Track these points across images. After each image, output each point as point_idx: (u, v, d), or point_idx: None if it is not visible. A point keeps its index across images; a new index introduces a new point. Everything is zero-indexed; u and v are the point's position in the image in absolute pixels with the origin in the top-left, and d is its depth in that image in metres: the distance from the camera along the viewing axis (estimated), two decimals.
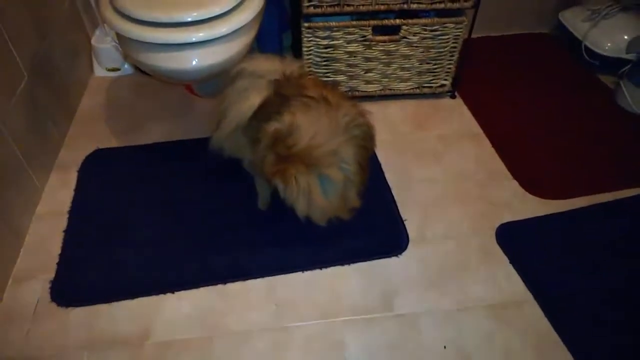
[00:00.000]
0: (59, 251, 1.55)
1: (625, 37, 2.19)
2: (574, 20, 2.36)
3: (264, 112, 1.34)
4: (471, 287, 1.49)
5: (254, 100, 1.38)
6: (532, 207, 1.71)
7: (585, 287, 1.48)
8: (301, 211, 1.31)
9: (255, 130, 1.34)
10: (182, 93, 2.13)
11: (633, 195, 1.75)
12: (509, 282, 1.50)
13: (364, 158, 1.34)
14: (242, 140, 1.44)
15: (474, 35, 2.02)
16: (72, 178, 1.78)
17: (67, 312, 1.41)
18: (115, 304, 1.42)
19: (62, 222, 1.63)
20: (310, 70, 1.51)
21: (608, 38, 2.22)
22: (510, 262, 1.55)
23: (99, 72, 2.27)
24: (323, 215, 1.35)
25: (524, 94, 2.22)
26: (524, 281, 1.50)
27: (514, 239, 1.61)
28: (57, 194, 1.73)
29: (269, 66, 1.43)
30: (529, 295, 1.46)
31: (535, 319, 1.42)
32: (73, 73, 2.10)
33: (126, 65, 2.27)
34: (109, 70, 2.26)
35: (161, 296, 1.44)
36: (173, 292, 1.45)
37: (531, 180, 1.80)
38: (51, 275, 1.49)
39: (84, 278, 1.49)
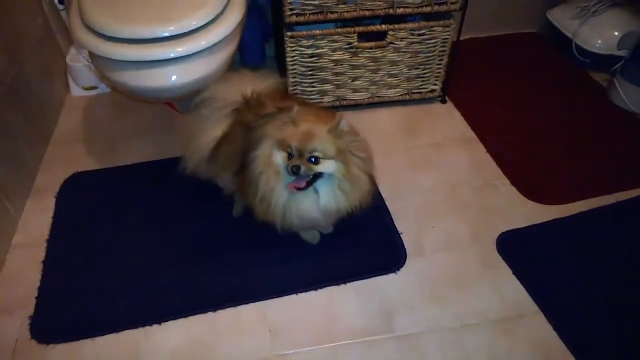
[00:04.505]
0: (38, 284, 1.48)
1: (616, 33, 2.15)
2: (563, 19, 2.32)
3: (229, 143, 1.39)
4: (475, 302, 1.42)
5: (214, 133, 1.41)
6: (532, 213, 1.65)
7: (593, 297, 1.43)
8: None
9: (222, 162, 1.42)
10: (164, 110, 2.06)
11: (636, 196, 1.70)
12: (513, 294, 1.44)
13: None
14: (210, 167, 1.47)
15: (462, 38, 1.96)
16: (50, 204, 1.70)
17: (48, 349, 1.34)
18: (99, 340, 1.35)
19: (41, 253, 1.56)
20: (278, 87, 1.48)
21: (599, 35, 2.18)
22: (513, 273, 1.49)
23: (76, 91, 2.18)
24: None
25: (516, 96, 2.16)
26: (529, 292, 1.44)
27: (516, 249, 1.55)
28: (35, 223, 1.65)
29: (231, 93, 1.41)
30: (535, 308, 1.41)
31: (543, 332, 1.36)
32: (48, 94, 2.02)
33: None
34: (86, 89, 2.17)
35: (148, 328, 1.37)
36: (160, 324, 1.38)
37: (530, 185, 1.74)
38: (30, 310, 1.41)
39: (66, 312, 1.41)
